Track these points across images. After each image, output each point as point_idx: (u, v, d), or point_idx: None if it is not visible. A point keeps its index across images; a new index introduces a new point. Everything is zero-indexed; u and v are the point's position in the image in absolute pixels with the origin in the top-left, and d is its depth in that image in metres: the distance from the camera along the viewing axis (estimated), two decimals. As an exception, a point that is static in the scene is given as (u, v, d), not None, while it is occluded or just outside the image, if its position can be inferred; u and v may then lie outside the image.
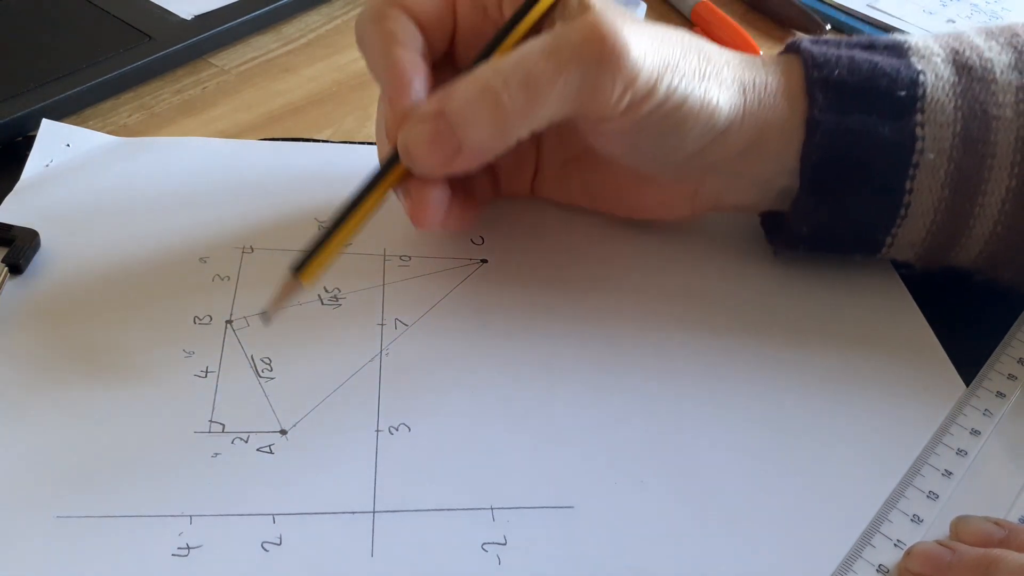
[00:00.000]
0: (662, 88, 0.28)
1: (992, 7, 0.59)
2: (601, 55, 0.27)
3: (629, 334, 0.33)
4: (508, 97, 0.27)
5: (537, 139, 0.36)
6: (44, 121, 0.39)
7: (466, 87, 0.28)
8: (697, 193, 0.35)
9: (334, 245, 0.28)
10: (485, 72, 0.28)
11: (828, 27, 0.53)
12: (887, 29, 0.54)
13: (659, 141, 0.31)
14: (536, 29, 0.31)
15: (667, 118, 0.30)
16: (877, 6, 0.56)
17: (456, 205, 0.31)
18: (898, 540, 0.27)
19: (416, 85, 0.29)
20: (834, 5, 0.56)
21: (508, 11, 0.31)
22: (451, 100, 0.28)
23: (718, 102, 0.30)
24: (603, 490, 0.28)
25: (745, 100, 0.31)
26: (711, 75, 0.30)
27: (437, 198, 0.30)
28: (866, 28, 0.54)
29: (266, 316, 0.29)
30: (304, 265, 0.28)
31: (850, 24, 0.55)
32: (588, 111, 0.29)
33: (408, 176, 0.29)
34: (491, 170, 0.36)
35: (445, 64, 0.33)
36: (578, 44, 0.27)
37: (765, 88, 0.31)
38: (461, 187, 0.31)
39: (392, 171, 0.29)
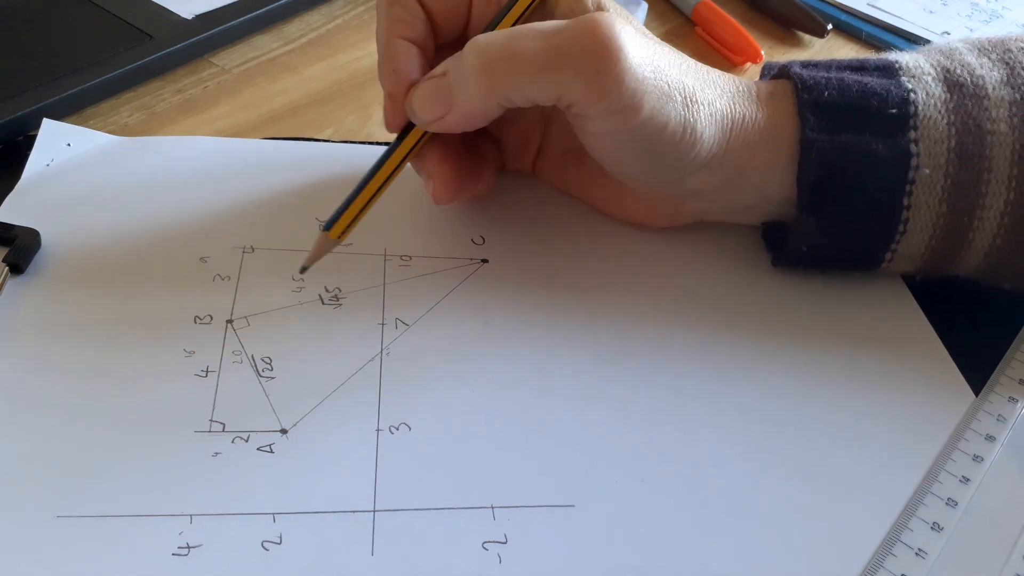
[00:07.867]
0: (646, 99, 0.29)
1: (992, 6, 0.59)
2: (594, 51, 0.28)
3: (630, 334, 0.33)
4: (499, 66, 0.29)
5: (544, 123, 0.37)
6: (45, 120, 0.39)
7: (467, 51, 0.30)
8: (678, 211, 0.36)
9: (360, 204, 0.31)
10: (481, 40, 0.29)
11: (829, 27, 0.53)
12: (888, 28, 0.54)
13: (640, 158, 0.32)
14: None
15: (645, 126, 0.30)
16: (878, 5, 0.56)
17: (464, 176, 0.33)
18: (920, 549, 0.27)
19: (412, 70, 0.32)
20: (835, 4, 0.56)
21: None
22: (454, 61, 0.30)
23: (703, 133, 0.31)
24: (604, 489, 0.28)
25: (729, 137, 0.32)
26: (704, 103, 0.31)
27: (448, 164, 0.32)
28: (867, 27, 0.54)
29: (304, 269, 0.31)
30: (334, 223, 0.31)
31: (851, 23, 0.54)
32: (572, 100, 0.29)
33: (423, 147, 0.32)
34: (498, 145, 0.37)
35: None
36: (574, 37, 0.28)
37: (753, 125, 0.32)
38: (467, 160, 0.34)
39: (409, 137, 0.32)
